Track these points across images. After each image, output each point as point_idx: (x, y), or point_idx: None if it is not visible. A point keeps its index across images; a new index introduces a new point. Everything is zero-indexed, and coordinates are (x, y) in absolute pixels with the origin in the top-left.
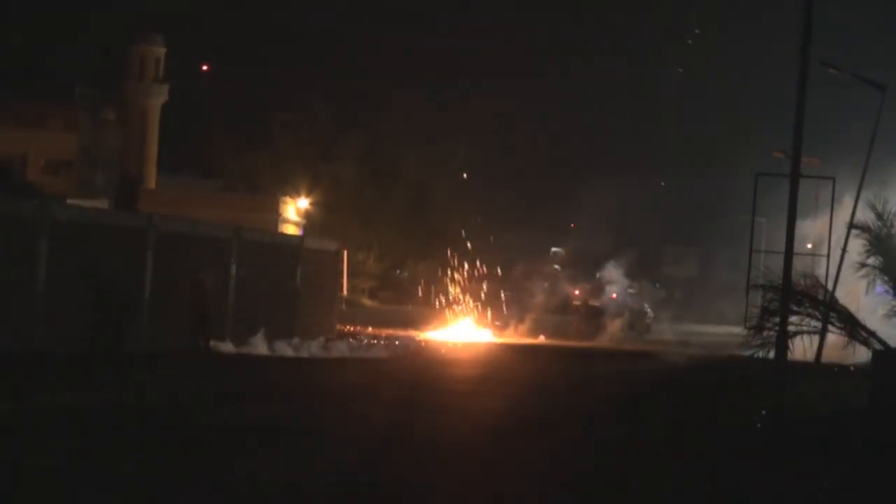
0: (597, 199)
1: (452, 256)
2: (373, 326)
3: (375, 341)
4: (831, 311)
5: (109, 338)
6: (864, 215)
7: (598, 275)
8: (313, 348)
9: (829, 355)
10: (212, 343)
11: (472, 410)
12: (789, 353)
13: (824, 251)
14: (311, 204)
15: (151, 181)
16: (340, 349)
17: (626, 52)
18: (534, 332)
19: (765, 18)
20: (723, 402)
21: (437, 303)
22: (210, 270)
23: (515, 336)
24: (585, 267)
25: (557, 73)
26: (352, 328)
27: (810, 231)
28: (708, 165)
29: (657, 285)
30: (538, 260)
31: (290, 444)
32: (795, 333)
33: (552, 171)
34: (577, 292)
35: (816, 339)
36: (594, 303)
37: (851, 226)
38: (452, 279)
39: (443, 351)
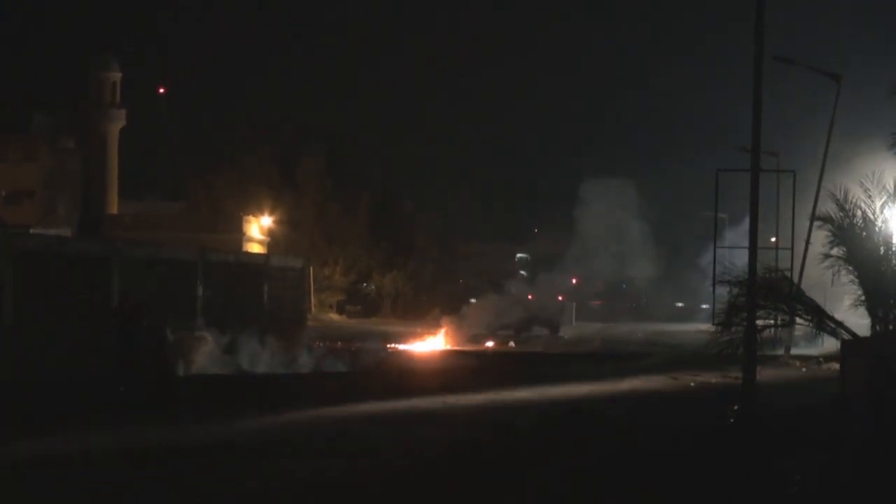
0: (561, 203)
1: (419, 268)
2: (341, 340)
3: (341, 355)
4: (798, 304)
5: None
6: (827, 206)
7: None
8: (281, 364)
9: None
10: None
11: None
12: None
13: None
14: (275, 222)
15: (114, 206)
16: (307, 364)
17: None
18: (504, 339)
19: (722, 11)
20: (695, 399)
21: (405, 315)
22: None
23: (485, 344)
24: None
25: (523, 73)
26: (319, 343)
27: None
28: (672, 162)
29: (624, 286)
30: (505, 266)
31: None
32: (764, 328)
33: (516, 175)
34: (530, 297)
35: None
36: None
37: (814, 217)
38: (419, 291)
39: (407, 363)
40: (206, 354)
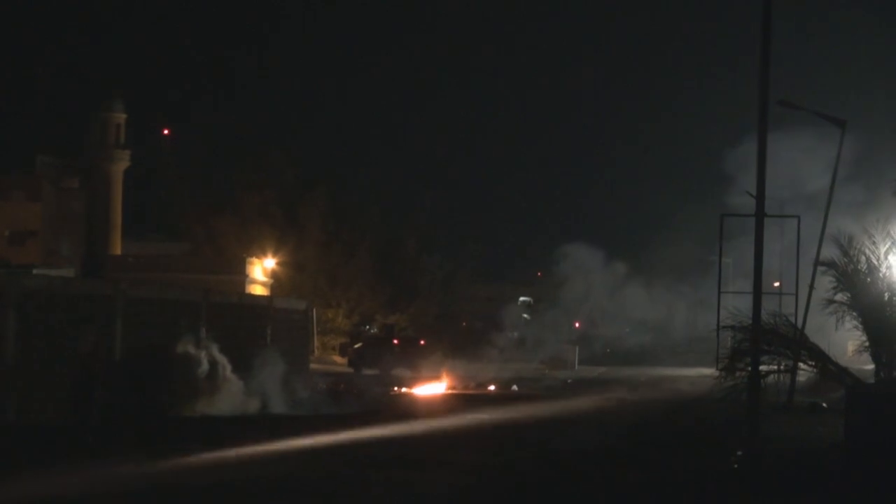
0: (564, 247)
1: (421, 310)
2: (345, 383)
3: (344, 397)
4: (802, 349)
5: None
6: (831, 251)
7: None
8: (284, 406)
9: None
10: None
11: None
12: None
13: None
14: (278, 263)
15: (117, 246)
16: (310, 407)
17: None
18: (508, 383)
19: (729, 58)
20: (699, 445)
21: (409, 357)
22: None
23: (488, 388)
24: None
25: (528, 121)
26: (324, 385)
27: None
28: (675, 206)
29: (628, 330)
30: (507, 309)
31: None
32: (767, 373)
33: (520, 217)
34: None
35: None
36: None
37: (817, 263)
38: (422, 334)
39: (410, 406)
40: (228, 388)
